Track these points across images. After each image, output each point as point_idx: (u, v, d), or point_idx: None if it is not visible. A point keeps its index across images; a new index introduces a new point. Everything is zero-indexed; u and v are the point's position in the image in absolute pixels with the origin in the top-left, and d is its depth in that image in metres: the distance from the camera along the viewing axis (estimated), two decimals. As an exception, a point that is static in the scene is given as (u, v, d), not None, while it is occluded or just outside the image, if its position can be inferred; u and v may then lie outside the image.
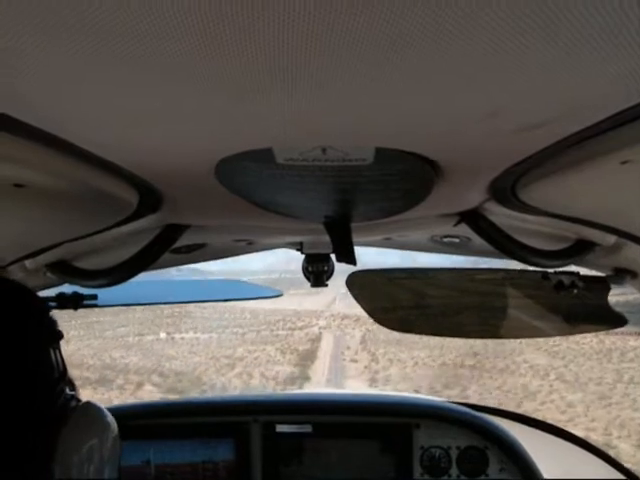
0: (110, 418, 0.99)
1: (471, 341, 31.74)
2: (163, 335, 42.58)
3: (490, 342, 32.05)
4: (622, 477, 2.28)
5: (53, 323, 1.00)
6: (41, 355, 0.92)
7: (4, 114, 0.58)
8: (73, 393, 0.98)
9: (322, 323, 46.48)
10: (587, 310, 1.77)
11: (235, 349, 39.50)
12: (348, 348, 39.06)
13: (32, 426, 0.86)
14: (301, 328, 45.24)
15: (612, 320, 1.80)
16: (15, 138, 0.65)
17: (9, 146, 0.66)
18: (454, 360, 33.70)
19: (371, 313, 2.11)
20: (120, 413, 2.30)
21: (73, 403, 0.95)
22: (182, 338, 42.20)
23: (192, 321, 45.53)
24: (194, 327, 44.54)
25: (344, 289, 2.07)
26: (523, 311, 1.94)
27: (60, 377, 0.96)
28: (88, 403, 0.98)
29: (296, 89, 0.52)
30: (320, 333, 43.63)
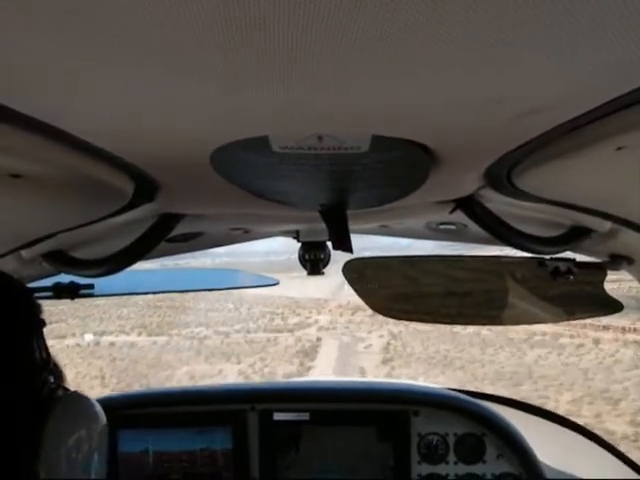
0: (98, 408, 0.97)
1: (574, 371, 21.28)
2: (89, 337, 30.31)
3: (617, 372, 20.99)
4: (620, 462, 2.29)
5: (35, 309, 0.97)
6: (21, 342, 0.90)
7: (0, 104, 0.58)
8: (59, 382, 0.96)
9: (324, 320, 31.79)
10: (584, 296, 1.77)
11: (174, 371, 25.56)
12: (362, 374, 22.42)
13: (15, 415, 0.84)
14: (292, 329, 30.94)
15: (609, 306, 1.80)
16: (11, 128, 0.65)
17: (5, 137, 0.66)
18: (578, 411, 17.89)
19: (371, 303, 2.10)
20: (118, 402, 2.31)
21: (59, 392, 0.93)
22: (112, 343, 29.60)
23: (151, 312, 32.94)
24: (143, 324, 31.91)
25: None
26: (521, 297, 1.94)
27: (43, 365, 0.93)
28: (75, 393, 0.96)
29: (291, 78, 0.52)
30: (319, 340, 28.97)
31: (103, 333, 30.47)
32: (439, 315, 2.11)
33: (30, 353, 0.91)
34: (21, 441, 0.84)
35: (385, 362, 24.05)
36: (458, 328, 23.46)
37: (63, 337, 29.15)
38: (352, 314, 30.45)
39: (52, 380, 0.94)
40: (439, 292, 2.03)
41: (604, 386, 19.70)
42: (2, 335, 0.87)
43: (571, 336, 25.54)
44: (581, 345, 24.95)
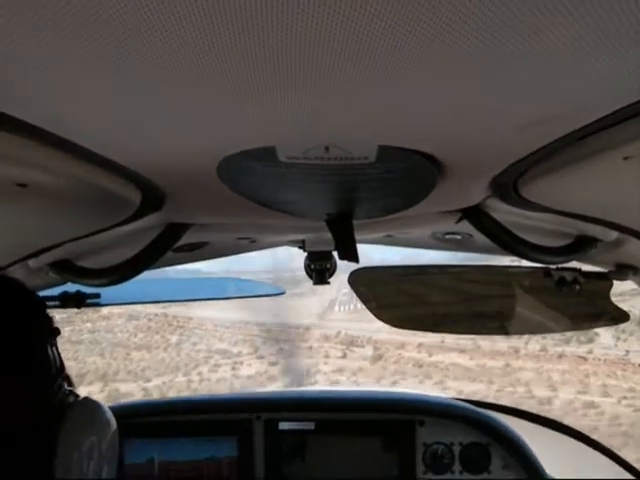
0: (109, 414, 1.00)
1: None
2: None
3: None
4: (629, 476, 2.28)
5: (50, 319, 1.01)
6: (38, 350, 0.93)
7: (6, 114, 0.58)
8: (71, 389, 0.99)
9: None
10: (591, 305, 1.77)
11: None
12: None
13: (31, 421, 0.86)
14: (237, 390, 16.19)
15: (615, 315, 1.80)
16: (18, 138, 0.65)
17: (13, 146, 0.66)
18: None
19: (380, 314, 2.09)
20: (124, 411, 2.31)
21: (71, 399, 0.96)
22: None
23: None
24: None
25: (347, 288, 2.00)
26: (527, 307, 1.94)
27: (58, 372, 0.96)
28: (86, 399, 0.98)
29: (299, 88, 0.52)
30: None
31: None
32: (444, 325, 2.10)
33: (47, 360, 0.94)
34: (38, 445, 0.85)
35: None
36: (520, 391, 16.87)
37: None
38: (343, 355, 19.86)
39: (66, 386, 0.97)
40: (444, 303, 2.02)
41: None
42: (19, 342, 0.89)
43: None
44: None
